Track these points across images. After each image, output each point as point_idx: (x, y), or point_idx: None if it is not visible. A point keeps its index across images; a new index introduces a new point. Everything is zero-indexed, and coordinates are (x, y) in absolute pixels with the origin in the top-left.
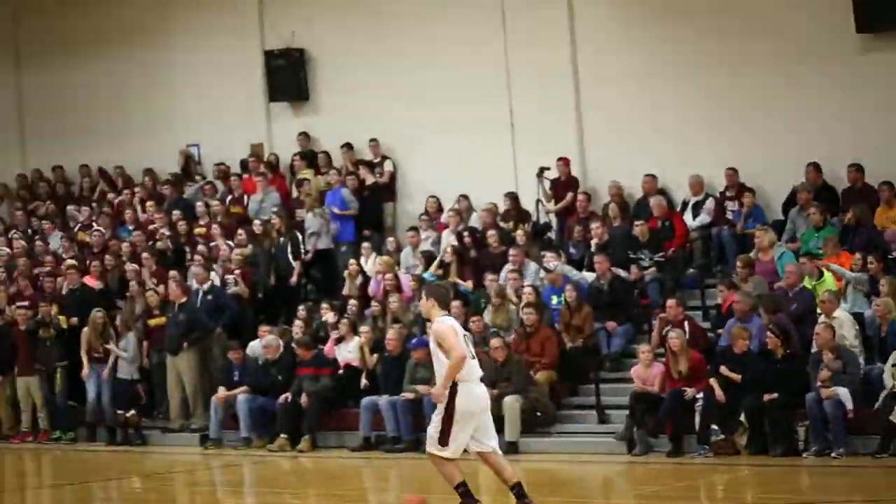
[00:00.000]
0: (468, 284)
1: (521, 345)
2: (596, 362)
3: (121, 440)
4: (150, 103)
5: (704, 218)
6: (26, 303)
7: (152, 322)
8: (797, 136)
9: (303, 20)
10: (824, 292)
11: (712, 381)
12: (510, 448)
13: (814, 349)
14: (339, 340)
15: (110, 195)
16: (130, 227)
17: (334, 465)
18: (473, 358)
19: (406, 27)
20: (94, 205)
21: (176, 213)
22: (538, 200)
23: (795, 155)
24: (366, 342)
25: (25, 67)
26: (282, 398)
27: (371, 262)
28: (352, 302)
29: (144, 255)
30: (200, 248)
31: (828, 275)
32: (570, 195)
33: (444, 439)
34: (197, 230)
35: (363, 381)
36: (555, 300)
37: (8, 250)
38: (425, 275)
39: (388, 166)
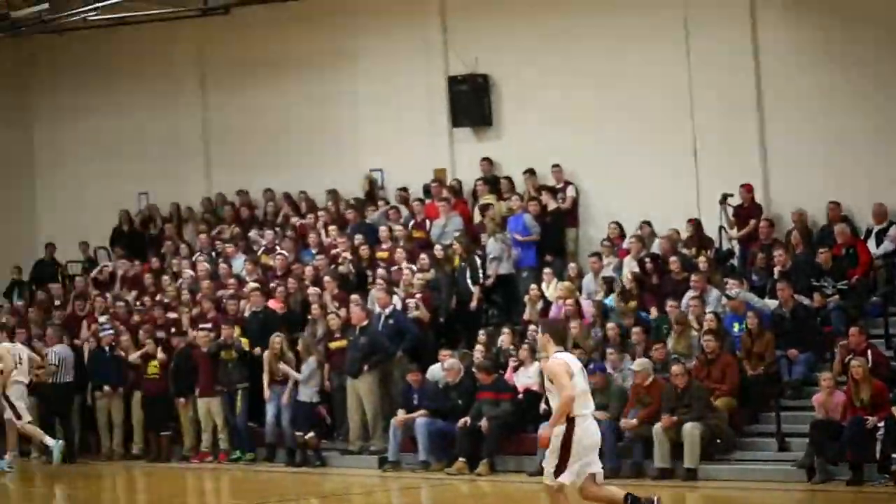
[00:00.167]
0: (652, 311)
1: (701, 371)
2: (777, 390)
3: (300, 462)
4: (334, 128)
5: (888, 246)
6: (209, 325)
7: (333, 345)
8: None
9: (486, 46)
10: None
11: (894, 410)
12: (689, 475)
13: None
14: (519, 366)
15: (294, 219)
16: (314, 251)
17: (512, 490)
18: (587, 391)
19: (589, 52)
20: (277, 229)
21: (358, 238)
22: (721, 227)
23: None
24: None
25: (211, 94)
26: (461, 422)
27: (552, 288)
28: (531, 327)
29: (326, 278)
30: (382, 272)
31: None
32: (752, 222)
33: (559, 472)
34: (379, 254)
35: (542, 407)
36: (736, 327)
37: (192, 273)
38: (606, 301)
39: (570, 192)
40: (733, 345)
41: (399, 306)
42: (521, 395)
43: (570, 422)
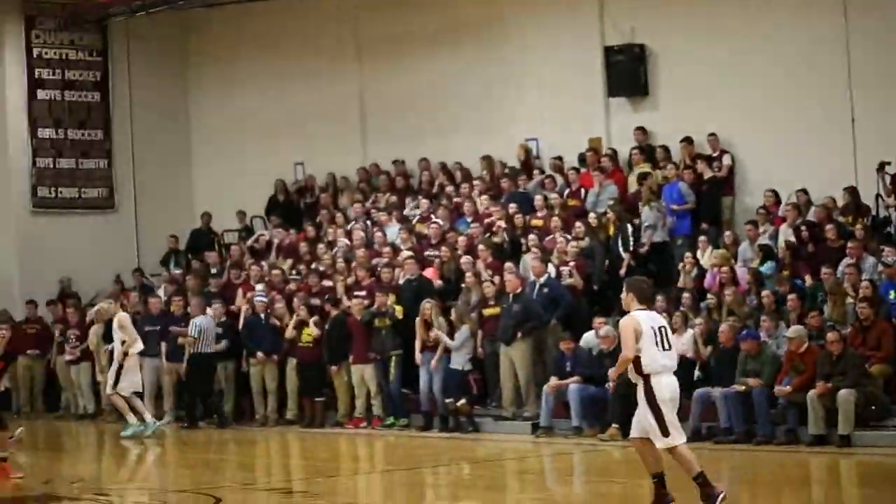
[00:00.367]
0: (806, 279)
1: (856, 338)
2: None
3: (453, 428)
4: (490, 98)
5: None
6: (363, 293)
7: (487, 312)
8: None
9: (643, 15)
10: None
11: None
12: (843, 442)
13: None
14: (672, 332)
15: (449, 188)
16: (468, 220)
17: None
18: (666, 350)
19: (746, 21)
20: (432, 198)
21: (513, 206)
22: (878, 195)
23: None
24: (699, 334)
25: (367, 65)
26: (610, 386)
27: (707, 256)
28: (685, 295)
29: (481, 247)
30: (536, 240)
31: None
32: None
33: (664, 432)
34: (534, 222)
35: (696, 373)
36: (892, 294)
37: (347, 241)
38: (762, 268)
39: (726, 160)
40: (889, 312)
41: (553, 274)
42: None
43: (646, 380)
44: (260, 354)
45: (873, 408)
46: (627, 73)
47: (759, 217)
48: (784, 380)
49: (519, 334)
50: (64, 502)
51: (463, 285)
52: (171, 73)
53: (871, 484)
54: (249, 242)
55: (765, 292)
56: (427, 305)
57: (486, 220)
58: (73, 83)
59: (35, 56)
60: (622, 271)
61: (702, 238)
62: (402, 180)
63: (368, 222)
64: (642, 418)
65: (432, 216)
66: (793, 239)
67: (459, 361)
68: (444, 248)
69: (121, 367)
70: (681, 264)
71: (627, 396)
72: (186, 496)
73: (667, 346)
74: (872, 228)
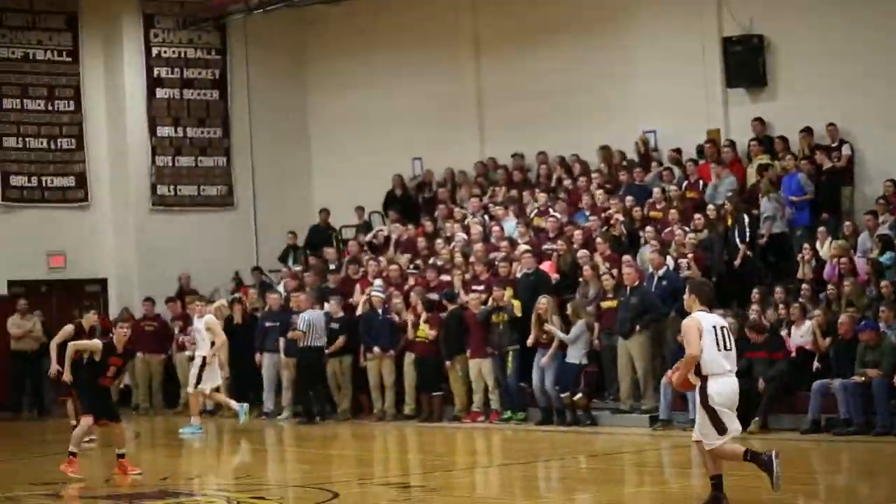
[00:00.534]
0: None
1: None
2: None
3: (570, 421)
4: (607, 90)
5: None
6: (481, 287)
7: (605, 305)
8: None
9: (761, 6)
10: None
11: None
12: None
13: None
14: (791, 324)
15: (566, 181)
16: (586, 213)
17: (784, 447)
18: (726, 351)
19: (864, 9)
20: (550, 192)
21: (629, 199)
22: None
23: None
24: (818, 325)
25: (484, 57)
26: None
27: (826, 247)
28: (804, 286)
29: (598, 239)
30: (654, 232)
31: None
32: None
33: (721, 430)
34: (652, 214)
35: (815, 364)
36: None
37: (465, 236)
38: (881, 259)
39: (845, 150)
40: None
41: (671, 266)
42: (793, 355)
43: (704, 380)
44: (377, 349)
45: None
46: (746, 63)
47: (878, 207)
48: None
49: (637, 327)
50: (181, 498)
51: (580, 279)
52: (288, 70)
53: None
54: (367, 238)
55: (884, 282)
56: (542, 301)
57: (604, 213)
58: (192, 81)
59: (154, 55)
60: (736, 262)
61: (821, 229)
62: (520, 174)
63: (486, 217)
64: (698, 419)
65: (550, 210)
66: None
67: (576, 355)
68: (560, 242)
69: (203, 366)
70: (799, 255)
71: (747, 391)
72: (304, 491)
73: (727, 347)
74: None
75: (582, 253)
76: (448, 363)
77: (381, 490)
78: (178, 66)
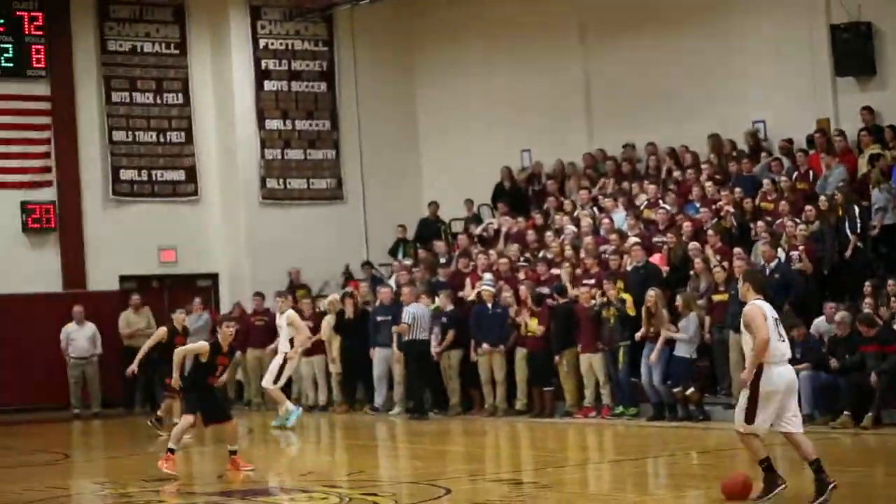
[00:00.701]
0: None
1: None
2: None
3: (682, 416)
4: (716, 81)
5: None
6: (591, 281)
7: (716, 298)
8: None
9: None
10: None
11: None
12: None
13: None
14: None
15: (676, 173)
16: (697, 205)
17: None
18: (782, 340)
19: None
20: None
21: (738, 191)
22: None
23: None
24: None
25: (592, 47)
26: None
27: None
28: None
29: (709, 232)
30: (765, 224)
31: None
32: None
33: (749, 417)
34: (763, 205)
35: None
36: None
37: (574, 229)
38: None
39: None
40: None
41: (783, 259)
42: None
43: (759, 367)
44: (485, 346)
45: None
46: (855, 51)
47: None
48: None
49: None
50: (294, 494)
51: (691, 272)
52: (396, 62)
53: None
54: (477, 231)
55: None
56: (651, 294)
57: (715, 205)
58: (300, 74)
59: (261, 47)
60: (847, 253)
61: None
62: (629, 165)
63: (595, 209)
64: (741, 402)
65: (660, 202)
66: None
67: (685, 349)
68: (670, 235)
69: (285, 361)
70: None
71: (860, 385)
72: (416, 488)
73: (781, 337)
74: None
75: (693, 245)
76: (557, 357)
77: (493, 486)
78: (285, 57)
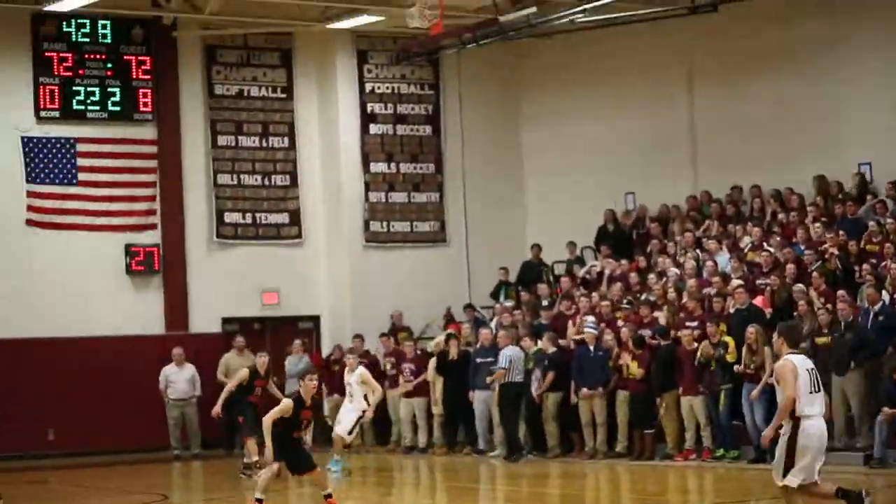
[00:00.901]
0: None
1: None
2: None
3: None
4: (822, 123)
5: None
6: (694, 323)
7: (820, 341)
8: None
9: None
10: None
11: None
12: None
13: None
14: None
15: (780, 215)
16: (801, 247)
17: None
18: (817, 392)
19: None
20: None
21: (843, 233)
22: None
23: None
24: None
25: (698, 92)
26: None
27: None
28: None
29: (814, 274)
30: (871, 267)
31: None
32: None
33: (785, 471)
34: (868, 248)
35: None
36: None
37: (677, 271)
38: None
39: None
40: None
41: (887, 301)
42: None
43: (797, 422)
44: (584, 390)
45: None
46: None
47: None
48: None
49: (852, 363)
50: None
51: (795, 313)
52: (502, 105)
53: None
54: (581, 273)
55: None
56: (751, 330)
57: (820, 247)
58: (405, 117)
59: (367, 91)
60: None
61: None
62: (733, 208)
63: (699, 251)
64: (778, 454)
65: (764, 244)
66: None
67: None
68: (774, 277)
69: (362, 416)
70: None
71: None
72: None
73: (818, 389)
74: None
75: (797, 287)
76: (658, 400)
77: None
78: (391, 101)
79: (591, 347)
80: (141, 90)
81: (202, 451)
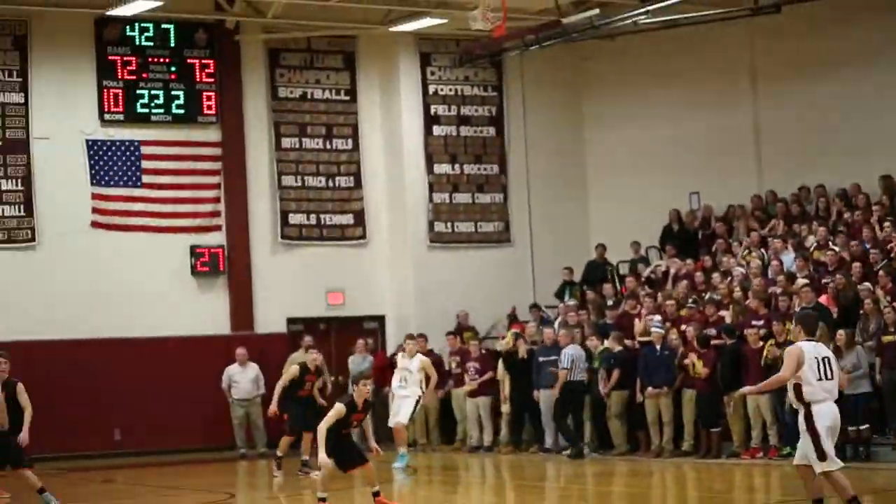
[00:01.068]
0: None
1: None
2: None
3: (850, 456)
4: (886, 122)
5: None
6: (759, 322)
7: (886, 339)
8: None
9: None
10: None
11: None
12: None
13: None
14: None
15: (846, 214)
16: (867, 245)
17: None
18: (827, 380)
19: None
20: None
21: None
22: None
23: None
24: None
25: (761, 89)
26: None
27: None
28: None
29: (880, 273)
30: None
31: None
32: None
33: (821, 455)
34: None
35: None
36: None
37: (742, 270)
38: None
39: None
40: None
41: None
42: None
43: (807, 407)
44: (649, 389)
45: None
46: None
47: None
48: None
49: None
50: None
51: (861, 311)
52: (565, 106)
53: None
54: (646, 273)
55: None
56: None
57: (887, 246)
58: (469, 119)
59: (430, 93)
60: None
61: None
62: (798, 207)
63: (763, 250)
64: (804, 444)
65: (829, 243)
66: None
67: (859, 386)
68: (839, 276)
69: (418, 401)
70: None
71: None
72: None
73: (828, 376)
74: None
75: (863, 286)
76: (725, 398)
77: None
78: (454, 103)
79: (658, 346)
80: (205, 93)
81: (268, 451)
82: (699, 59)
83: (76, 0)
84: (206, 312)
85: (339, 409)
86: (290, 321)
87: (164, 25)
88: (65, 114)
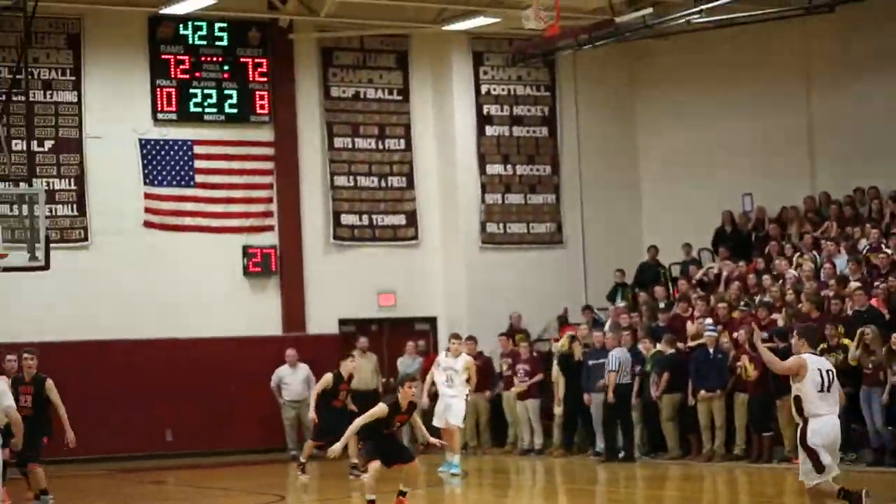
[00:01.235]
0: None
1: None
2: None
3: None
4: None
5: None
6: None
7: None
8: None
9: None
10: None
11: None
12: None
13: None
14: None
15: None
16: None
17: None
18: (828, 392)
19: None
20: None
21: None
22: None
23: None
24: None
25: (816, 89)
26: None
27: None
28: None
29: None
30: None
31: None
32: None
33: (819, 468)
34: None
35: None
36: None
37: (795, 273)
38: None
39: None
40: None
41: None
42: None
43: (805, 422)
44: (702, 392)
45: None
46: None
47: None
48: None
49: None
50: None
51: None
52: (618, 106)
53: None
54: (698, 275)
55: None
56: (867, 331)
57: None
58: (521, 119)
59: (483, 93)
60: None
61: None
62: (851, 209)
63: (816, 253)
64: (801, 459)
65: (882, 246)
66: None
67: None
68: (891, 279)
69: (466, 400)
70: None
71: None
72: None
73: (829, 389)
74: None
75: None
76: (777, 402)
77: None
78: (507, 103)
79: (711, 349)
80: (257, 92)
81: (318, 452)
82: (752, 58)
83: None
84: (258, 313)
85: (381, 408)
86: (342, 322)
87: (217, 24)
88: (118, 113)
